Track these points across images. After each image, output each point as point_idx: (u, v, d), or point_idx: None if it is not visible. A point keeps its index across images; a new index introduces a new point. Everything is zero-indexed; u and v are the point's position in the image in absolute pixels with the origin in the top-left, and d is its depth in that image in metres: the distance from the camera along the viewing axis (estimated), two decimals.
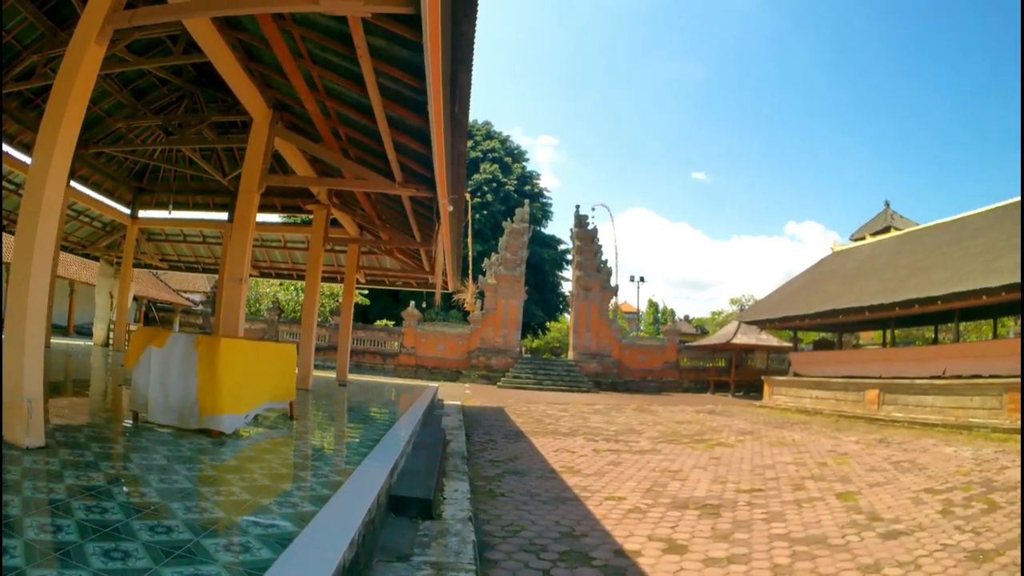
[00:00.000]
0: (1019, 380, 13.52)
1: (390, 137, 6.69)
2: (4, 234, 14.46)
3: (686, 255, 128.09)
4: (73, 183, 13.60)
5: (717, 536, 5.17)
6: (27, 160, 11.58)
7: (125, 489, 3.40)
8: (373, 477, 4.32)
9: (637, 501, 6.35)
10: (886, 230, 27.14)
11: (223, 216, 15.21)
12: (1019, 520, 5.64)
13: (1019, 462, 9.17)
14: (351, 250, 14.19)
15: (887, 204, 29.36)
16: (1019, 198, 17.72)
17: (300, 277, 17.79)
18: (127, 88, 11.65)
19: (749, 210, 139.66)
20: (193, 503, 3.27)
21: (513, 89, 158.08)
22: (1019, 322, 23.66)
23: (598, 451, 9.67)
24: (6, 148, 11.76)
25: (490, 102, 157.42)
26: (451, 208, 7.13)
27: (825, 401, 21.01)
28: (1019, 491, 7.02)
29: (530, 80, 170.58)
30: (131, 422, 5.49)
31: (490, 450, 9.15)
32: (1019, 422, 12.93)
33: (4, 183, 13.80)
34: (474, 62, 4.44)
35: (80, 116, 4.50)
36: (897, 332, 24.42)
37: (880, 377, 19.11)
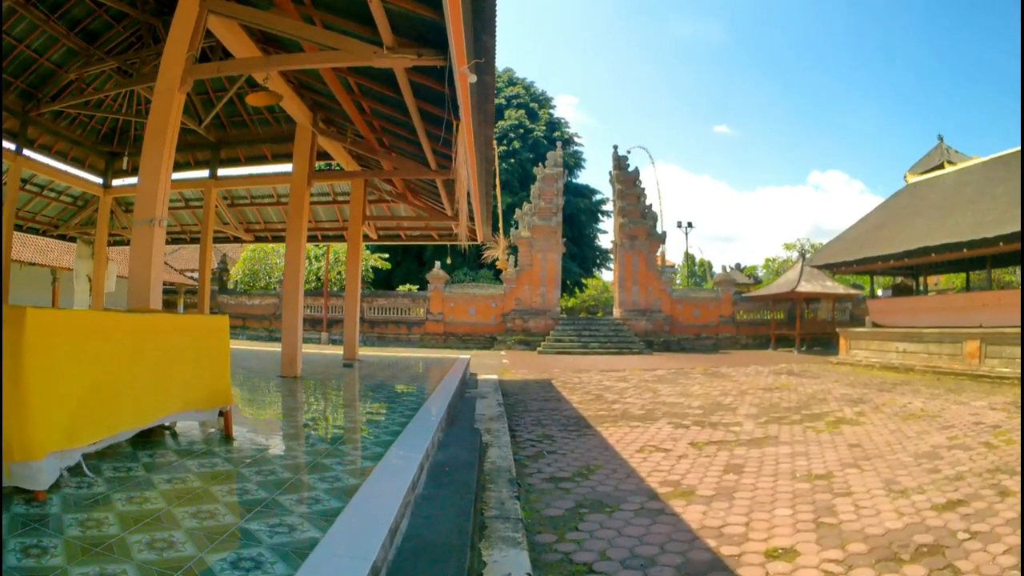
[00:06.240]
0: None
1: None
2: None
3: (712, 208, 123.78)
4: (33, 153, 11.45)
5: None
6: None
7: None
8: None
9: (818, 557, 3.65)
10: (941, 166, 23.55)
11: (204, 174, 12.67)
12: None
13: None
14: (354, 192, 11.36)
15: (940, 139, 25.36)
16: None
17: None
18: (75, 31, 9.27)
19: (772, 161, 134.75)
20: None
21: (529, 47, 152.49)
22: None
23: (697, 445, 6.88)
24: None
25: (507, 60, 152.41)
26: (473, 78, 4.25)
27: (915, 355, 18.02)
28: None
29: (547, 38, 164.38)
30: None
31: (547, 455, 6.35)
32: None
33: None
34: None
35: None
36: (973, 276, 21.21)
37: (980, 326, 16.20)
